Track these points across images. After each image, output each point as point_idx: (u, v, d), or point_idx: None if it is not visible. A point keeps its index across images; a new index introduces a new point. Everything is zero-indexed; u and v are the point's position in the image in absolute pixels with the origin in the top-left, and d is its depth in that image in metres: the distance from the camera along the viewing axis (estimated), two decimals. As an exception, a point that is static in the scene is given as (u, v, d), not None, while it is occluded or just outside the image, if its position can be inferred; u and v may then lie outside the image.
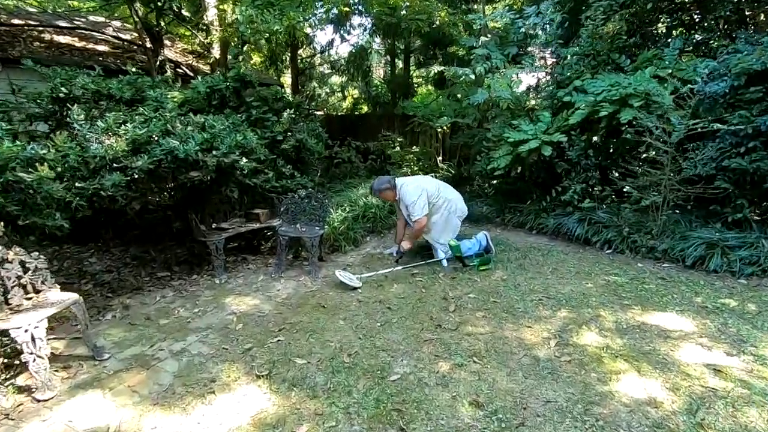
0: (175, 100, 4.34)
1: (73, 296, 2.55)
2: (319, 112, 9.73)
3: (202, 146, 3.56)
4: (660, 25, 5.42)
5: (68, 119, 3.38)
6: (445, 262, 4.12)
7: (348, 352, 2.68)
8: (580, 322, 3.01)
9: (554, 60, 5.48)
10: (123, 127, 3.36)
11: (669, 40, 5.14)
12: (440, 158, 7.54)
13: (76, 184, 2.93)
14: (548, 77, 6.36)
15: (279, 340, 2.84)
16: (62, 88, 3.67)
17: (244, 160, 3.82)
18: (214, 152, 3.59)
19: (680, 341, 2.75)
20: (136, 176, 3.24)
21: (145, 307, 3.38)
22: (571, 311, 3.18)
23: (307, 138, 5.24)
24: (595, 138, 4.95)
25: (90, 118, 3.49)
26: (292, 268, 4.19)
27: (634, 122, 4.32)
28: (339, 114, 12.25)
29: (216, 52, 8.14)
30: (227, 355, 2.69)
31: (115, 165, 3.12)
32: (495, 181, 6.35)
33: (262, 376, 2.46)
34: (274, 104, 5.26)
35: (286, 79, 12.31)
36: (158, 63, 7.01)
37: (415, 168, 7.50)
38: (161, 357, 2.68)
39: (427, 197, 4.03)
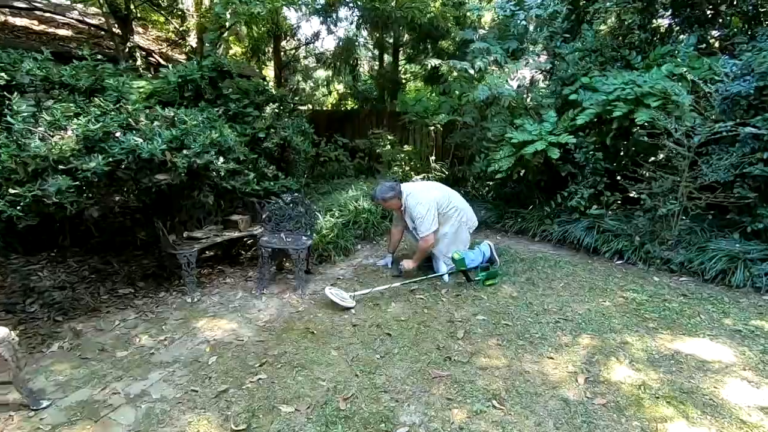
0: (141, 90, 3.80)
1: (1, 333, 2.05)
2: (303, 108, 9.21)
3: (171, 144, 3.06)
4: (670, 21, 5.12)
5: (7, 110, 2.84)
6: (446, 276, 3.72)
7: (344, 395, 2.25)
8: (606, 352, 2.65)
9: (555, 55, 5.11)
10: (74, 120, 2.84)
11: (682, 36, 4.84)
12: (433, 158, 7.15)
13: (10, 190, 2.41)
14: (545, 74, 6.02)
15: (260, 379, 2.39)
16: (2, 74, 3.11)
17: (221, 160, 3.33)
18: (185, 151, 3.09)
19: (722, 375, 2.41)
20: (90, 180, 2.73)
21: (101, 334, 2.87)
22: (594, 337, 2.82)
23: (293, 135, 4.77)
24: (603, 140, 4.61)
25: (40, 110, 2.95)
26: (275, 283, 3.73)
27: (646, 124, 3.99)
28: (325, 110, 11.72)
29: (192, 40, 7.55)
30: (197, 399, 2.23)
31: (61, 167, 2.60)
32: (492, 183, 5.98)
33: (240, 431, 2.01)
34: (256, 98, 4.76)
35: (269, 72, 11.72)
36: (127, 50, 6.38)
37: (407, 168, 7.08)
38: (115, 404, 2.20)
39: (437, 208, 3.62)
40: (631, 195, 4.92)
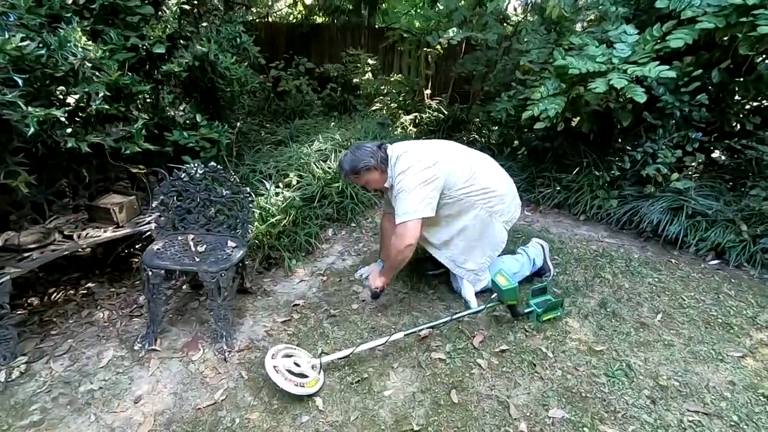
0: None
1: None
2: (248, 14, 6.91)
3: None
4: None
5: None
6: (473, 303, 2.23)
7: None
8: None
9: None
10: None
11: None
12: (428, 92, 5.38)
13: None
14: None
15: None
16: None
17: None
18: None
19: None
20: None
21: None
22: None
23: (219, 53, 2.90)
24: (707, 74, 3.01)
25: None
26: (180, 322, 2.15)
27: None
28: (285, 23, 9.29)
29: None
30: None
31: None
32: (500, 131, 4.32)
33: None
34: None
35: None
36: None
37: (393, 105, 5.31)
38: None
39: (443, 184, 2.04)
40: (717, 158, 3.46)
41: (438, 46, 4.97)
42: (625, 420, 1.64)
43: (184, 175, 2.07)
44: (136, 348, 1.94)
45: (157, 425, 1.58)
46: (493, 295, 2.08)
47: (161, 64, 2.60)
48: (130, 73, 2.37)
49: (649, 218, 3.06)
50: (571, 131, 3.68)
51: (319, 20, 9.06)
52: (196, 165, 2.07)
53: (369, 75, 5.33)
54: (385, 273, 2.13)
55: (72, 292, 2.29)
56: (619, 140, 3.64)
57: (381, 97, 5.36)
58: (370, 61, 5.37)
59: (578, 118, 3.48)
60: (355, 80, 5.37)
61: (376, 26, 6.66)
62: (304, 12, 9.66)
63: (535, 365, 1.89)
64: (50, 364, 1.84)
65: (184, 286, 2.35)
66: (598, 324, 2.18)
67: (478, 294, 2.28)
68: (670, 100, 3.02)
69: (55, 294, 2.26)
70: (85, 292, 2.29)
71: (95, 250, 2.55)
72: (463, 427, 1.60)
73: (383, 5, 7.07)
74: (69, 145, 1.99)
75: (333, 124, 4.41)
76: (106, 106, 2.16)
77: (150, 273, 1.87)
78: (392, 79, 5.35)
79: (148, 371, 1.83)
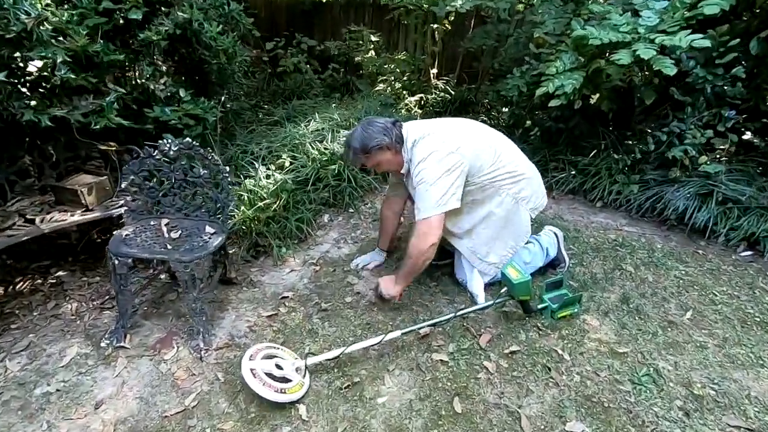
0: None
1: None
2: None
3: None
4: None
5: None
6: (481, 298, 2.00)
7: None
8: None
9: None
10: None
11: None
12: (434, 71, 5.08)
13: None
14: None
15: None
16: None
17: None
18: None
19: None
20: None
21: None
22: None
23: (204, 22, 2.65)
24: (743, 44, 2.70)
25: None
26: (154, 316, 1.95)
27: None
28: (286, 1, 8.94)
29: None
30: None
31: None
32: (511, 111, 4.02)
33: None
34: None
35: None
36: None
37: (397, 85, 5.02)
38: None
39: (468, 169, 1.80)
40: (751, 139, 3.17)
41: (445, 22, 4.66)
42: (655, 435, 1.42)
43: (156, 152, 1.84)
44: (102, 345, 1.74)
45: (117, 436, 1.39)
46: (503, 289, 1.84)
47: (139, 32, 2.36)
48: (101, 41, 2.14)
49: (674, 205, 2.79)
50: (589, 110, 3.40)
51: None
52: (170, 141, 1.84)
53: (372, 52, 5.04)
54: (403, 278, 1.87)
55: (40, 281, 2.09)
56: (640, 122, 3.34)
57: (385, 77, 5.07)
58: (373, 38, 5.06)
59: (597, 95, 3.19)
60: (357, 59, 5.08)
61: (381, 2, 6.33)
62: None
63: (549, 369, 1.67)
64: (5, 363, 1.65)
65: (161, 276, 2.14)
66: (620, 322, 1.94)
67: (485, 288, 2.05)
68: (701, 74, 2.73)
69: (21, 283, 2.07)
70: (54, 281, 2.10)
71: (70, 235, 2.34)
72: (468, 438, 1.39)
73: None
74: (26, 117, 1.77)
75: (333, 105, 4.15)
76: (72, 76, 1.94)
77: (116, 262, 1.66)
78: (396, 57, 5.04)
79: (113, 371, 1.63)
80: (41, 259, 2.23)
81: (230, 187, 1.85)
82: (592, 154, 3.34)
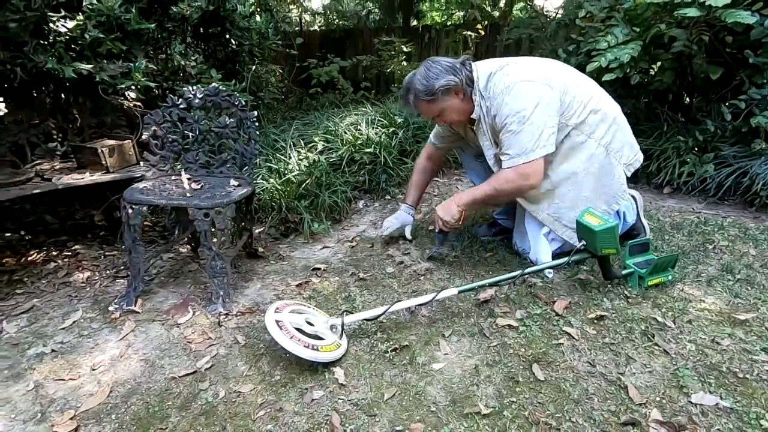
0: None
1: None
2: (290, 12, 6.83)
3: None
4: None
5: None
6: (549, 271, 1.64)
7: None
8: None
9: None
10: None
11: None
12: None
13: None
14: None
15: None
16: None
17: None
18: None
19: None
20: None
21: None
22: None
23: (237, 4, 2.61)
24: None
25: None
26: (172, 284, 1.72)
27: None
28: (320, 30, 9.21)
29: None
30: None
31: None
32: None
33: None
34: None
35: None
36: None
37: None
38: None
39: (562, 110, 1.52)
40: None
41: (478, 26, 4.57)
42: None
43: (180, 101, 1.69)
44: (110, 309, 1.51)
45: (112, 397, 1.12)
46: (580, 243, 1.50)
47: (172, 6, 2.32)
48: (134, 13, 2.09)
49: (764, 179, 2.40)
50: (647, 88, 3.10)
51: (352, 26, 8.89)
52: (195, 89, 1.69)
53: (405, 62, 4.98)
54: (470, 198, 1.58)
55: (55, 253, 1.92)
56: (701, 103, 3.01)
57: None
58: (405, 48, 5.02)
59: (657, 65, 2.91)
60: (388, 69, 5.02)
61: (411, 25, 6.41)
62: (337, 21, 9.55)
63: (652, 336, 1.30)
64: (3, 325, 1.44)
65: (183, 249, 1.94)
66: (731, 291, 1.55)
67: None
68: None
69: (36, 255, 1.90)
70: (70, 254, 1.92)
71: (92, 216, 2.20)
72: (558, 412, 1.04)
73: (421, 5, 6.83)
74: (49, 65, 1.67)
75: (368, 108, 4.03)
76: (101, 35, 1.86)
77: (130, 210, 1.46)
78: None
79: (119, 335, 1.39)
80: (59, 235, 2.08)
81: (257, 133, 1.65)
82: (654, 135, 3.01)
